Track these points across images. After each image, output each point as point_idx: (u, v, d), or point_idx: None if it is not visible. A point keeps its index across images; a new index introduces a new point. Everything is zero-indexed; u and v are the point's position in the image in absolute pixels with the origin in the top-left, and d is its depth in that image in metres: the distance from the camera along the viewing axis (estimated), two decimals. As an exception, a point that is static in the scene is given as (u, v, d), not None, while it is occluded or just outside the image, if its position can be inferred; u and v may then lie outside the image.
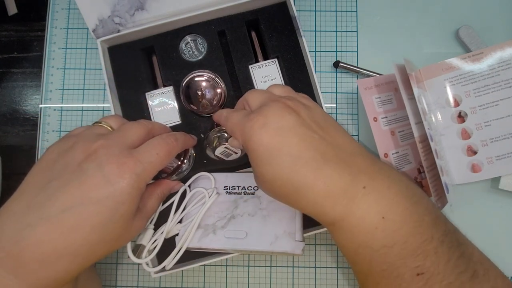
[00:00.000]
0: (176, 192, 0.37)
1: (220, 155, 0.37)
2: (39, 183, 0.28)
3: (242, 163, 0.38)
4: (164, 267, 0.35)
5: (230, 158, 0.37)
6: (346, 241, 0.27)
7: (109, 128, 0.32)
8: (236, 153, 0.37)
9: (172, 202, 0.37)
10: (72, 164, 0.28)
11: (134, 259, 0.34)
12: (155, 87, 0.40)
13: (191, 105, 0.39)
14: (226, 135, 0.36)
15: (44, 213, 0.26)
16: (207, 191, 0.36)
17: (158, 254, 0.36)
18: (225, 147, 0.35)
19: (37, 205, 0.27)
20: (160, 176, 0.36)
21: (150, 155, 0.30)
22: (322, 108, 0.36)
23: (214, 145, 0.36)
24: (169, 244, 0.36)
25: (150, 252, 0.35)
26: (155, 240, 0.35)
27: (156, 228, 0.36)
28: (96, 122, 0.33)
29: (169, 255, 0.35)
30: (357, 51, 0.43)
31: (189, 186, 0.38)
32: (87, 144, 0.29)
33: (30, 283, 0.26)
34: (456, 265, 0.25)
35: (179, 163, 0.36)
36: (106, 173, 0.27)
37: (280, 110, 0.28)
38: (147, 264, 0.35)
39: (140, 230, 0.31)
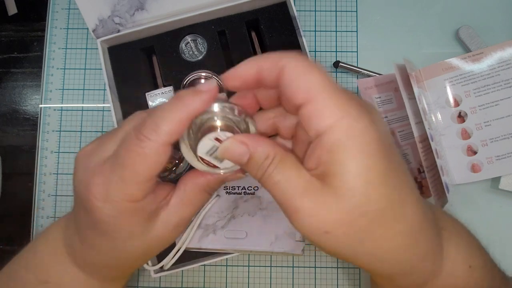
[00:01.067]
0: None
1: (206, 157, 0.22)
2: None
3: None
4: (163, 266, 0.35)
5: (224, 165, 0.23)
6: None
7: None
8: None
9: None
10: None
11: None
12: (155, 87, 0.40)
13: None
14: (228, 108, 0.22)
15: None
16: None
17: (158, 255, 0.36)
18: (216, 137, 0.21)
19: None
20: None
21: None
22: None
23: (195, 138, 0.22)
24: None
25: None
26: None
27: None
28: None
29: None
30: (357, 51, 0.43)
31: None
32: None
33: (100, 279, 0.28)
34: None
35: (177, 161, 0.35)
36: (81, 200, 0.26)
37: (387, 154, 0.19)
38: (147, 263, 0.35)
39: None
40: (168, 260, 0.35)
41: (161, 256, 0.35)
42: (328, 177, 0.19)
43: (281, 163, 0.20)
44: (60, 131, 0.43)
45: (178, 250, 0.35)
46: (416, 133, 0.35)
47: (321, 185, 0.19)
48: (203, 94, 0.21)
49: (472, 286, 0.23)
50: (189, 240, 0.35)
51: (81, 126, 0.43)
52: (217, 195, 0.36)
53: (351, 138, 0.18)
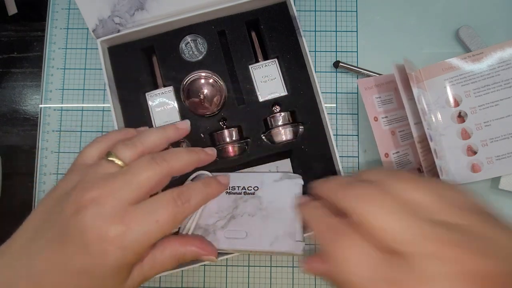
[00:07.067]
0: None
1: None
2: (30, 233, 0.26)
3: (242, 163, 0.38)
4: None
5: None
6: None
7: (120, 164, 0.27)
8: None
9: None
10: (61, 219, 0.25)
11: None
12: (155, 87, 0.40)
13: (192, 105, 0.39)
14: None
15: (25, 272, 0.24)
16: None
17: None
18: None
19: (21, 262, 0.25)
20: None
21: (148, 222, 0.24)
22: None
23: None
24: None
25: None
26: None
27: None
28: (108, 154, 0.27)
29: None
30: (357, 51, 0.43)
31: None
32: (82, 192, 0.25)
33: None
34: None
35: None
36: (87, 241, 0.23)
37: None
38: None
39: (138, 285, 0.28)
40: None
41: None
42: None
43: None
44: (60, 131, 0.43)
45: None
46: (415, 134, 0.35)
47: None
48: (222, 187, 0.32)
49: None
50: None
51: (81, 126, 0.43)
52: None
53: None
